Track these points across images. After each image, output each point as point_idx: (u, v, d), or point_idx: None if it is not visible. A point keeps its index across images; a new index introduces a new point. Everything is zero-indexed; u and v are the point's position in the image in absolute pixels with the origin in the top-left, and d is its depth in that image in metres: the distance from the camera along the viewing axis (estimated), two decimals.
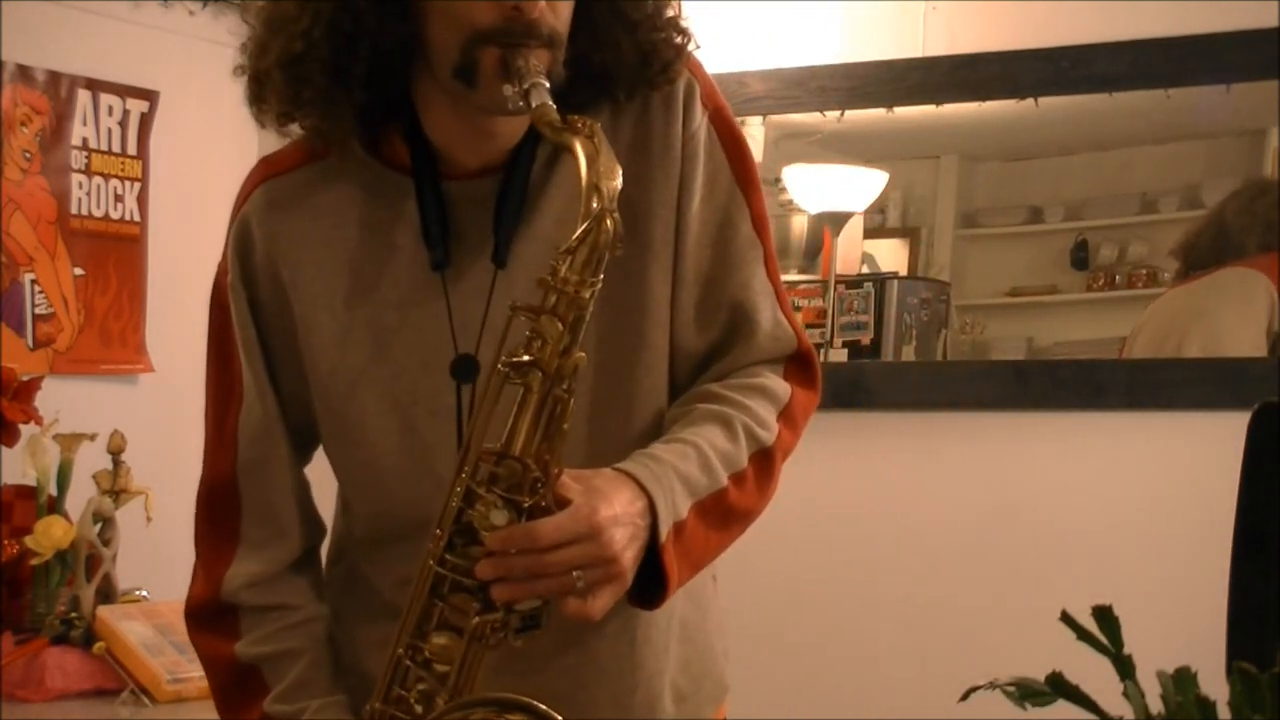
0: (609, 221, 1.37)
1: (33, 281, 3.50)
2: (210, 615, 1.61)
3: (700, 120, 1.57)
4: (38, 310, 3.51)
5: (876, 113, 3.44)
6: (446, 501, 1.40)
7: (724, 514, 1.50)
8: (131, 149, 3.72)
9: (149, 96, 3.75)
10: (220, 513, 1.61)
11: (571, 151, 1.39)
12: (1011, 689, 1.09)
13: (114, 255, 3.68)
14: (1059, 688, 1.06)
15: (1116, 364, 3.39)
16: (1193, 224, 3.34)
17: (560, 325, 1.37)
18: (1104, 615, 1.08)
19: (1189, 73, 3.28)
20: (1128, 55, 3.32)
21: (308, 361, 1.58)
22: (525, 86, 1.42)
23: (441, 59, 1.48)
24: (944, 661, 3.24)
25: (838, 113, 3.46)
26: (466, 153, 1.55)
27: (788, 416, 1.57)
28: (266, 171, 1.63)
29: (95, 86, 3.63)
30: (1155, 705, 1.05)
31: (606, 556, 1.37)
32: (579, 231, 1.37)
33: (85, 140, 3.61)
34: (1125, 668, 1.07)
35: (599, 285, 1.39)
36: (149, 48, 3.77)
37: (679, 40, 1.55)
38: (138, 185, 3.73)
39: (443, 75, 1.49)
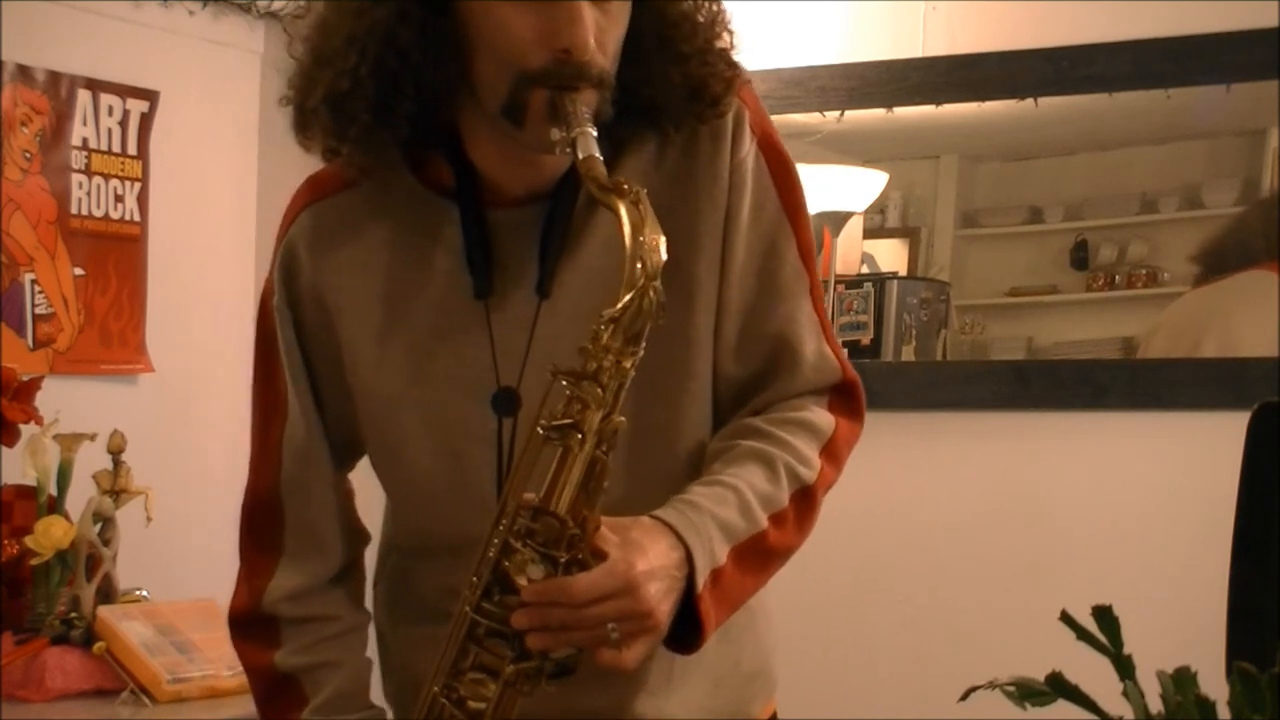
0: (652, 293, 1.36)
1: (33, 281, 3.50)
2: (251, 624, 1.65)
3: (748, 148, 1.56)
4: (38, 310, 3.51)
5: (876, 113, 3.44)
6: (484, 550, 1.41)
7: (762, 555, 1.50)
8: (131, 149, 3.72)
9: (149, 96, 3.75)
10: (263, 525, 1.65)
11: (616, 215, 1.38)
12: (1011, 689, 1.09)
13: (114, 255, 3.68)
14: (1059, 688, 1.06)
15: (1117, 364, 3.39)
16: (1213, 229, 3.34)
17: (600, 391, 1.37)
18: (1104, 615, 1.08)
19: (1189, 73, 3.28)
20: (1128, 55, 3.31)
21: (351, 382, 1.59)
22: (572, 135, 1.41)
23: (489, 96, 1.47)
24: (944, 661, 3.24)
25: (837, 113, 3.46)
26: (512, 181, 1.54)
27: (830, 451, 1.56)
28: (312, 194, 1.63)
29: (95, 86, 3.63)
30: (1155, 705, 1.05)
31: (641, 611, 1.37)
32: (621, 303, 1.36)
33: (85, 140, 3.61)
34: (1125, 668, 1.07)
35: (640, 354, 1.38)
36: (149, 48, 3.77)
37: (728, 74, 1.53)
38: (138, 185, 3.73)
39: (490, 111, 1.48)
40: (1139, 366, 3.35)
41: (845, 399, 1.59)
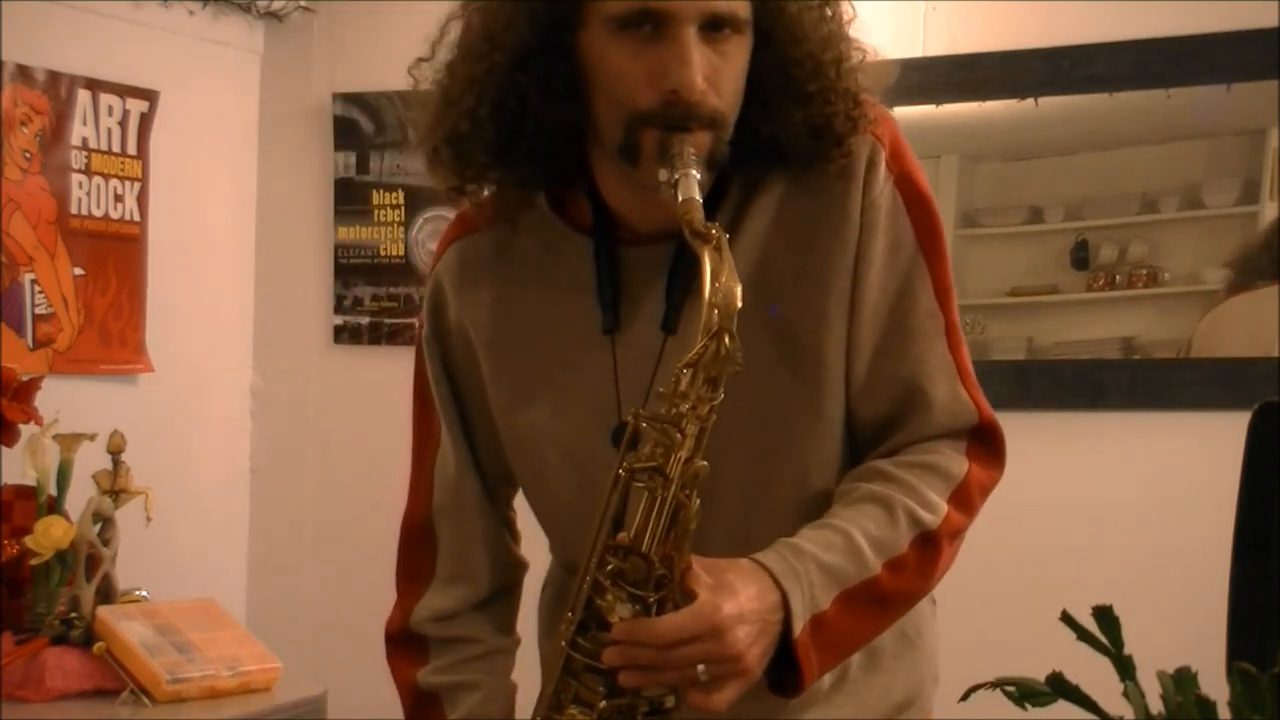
0: (726, 340, 1.37)
1: (33, 281, 3.50)
2: (401, 642, 1.68)
3: (882, 186, 1.54)
4: (38, 310, 3.51)
5: None
6: (578, 587, 1.42)
7: (876, 601, 1.47)
8: (131, 149, 3.72)
9: (149, 96, 3.75)
10: (417, 548, 1.68)
11: (699, 260, 1.39)
12: (1011, 689, 1.09)
13: (114, 255, 3.68)
14: (1059, 688, 1.06)
15: (1117, 364, 3.38)
16: (1251, 236, 3.33)
17: (680, 435, 1.38)
18: (1104, 615, 1.08)
19: (1189, 73, 3.28)
20: (1128, 55, 3.32)
21: (495, 414, 1.63)
22: (675, 177, 1.41)
23: (607, 136, 1.49)
24: (944, 661, 3.23)
25: None
26: (642, 218, 1.55)
27: (960, 496, 1.52)
28: (460, 230, 1.67)
29: (95, 86, 3.63)
30: (1155, 705, 1.05)
31: (729, 655, 1.36)
32: (696, 349, 1.37)
33: (85, 140, 3.61)
34: (1125, 668, 1.07)
35: (718, 400, 1.38)
36: (149, 48, 3.78)
37: (854, 113, 1.51)
38: (138, 185, 3.73)
39: (610, 151, 1.50)
40: (1139, 366, 3.35)
41: (984, 443, 1.56)
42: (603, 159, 1.53)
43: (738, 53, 1.47)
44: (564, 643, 1.43)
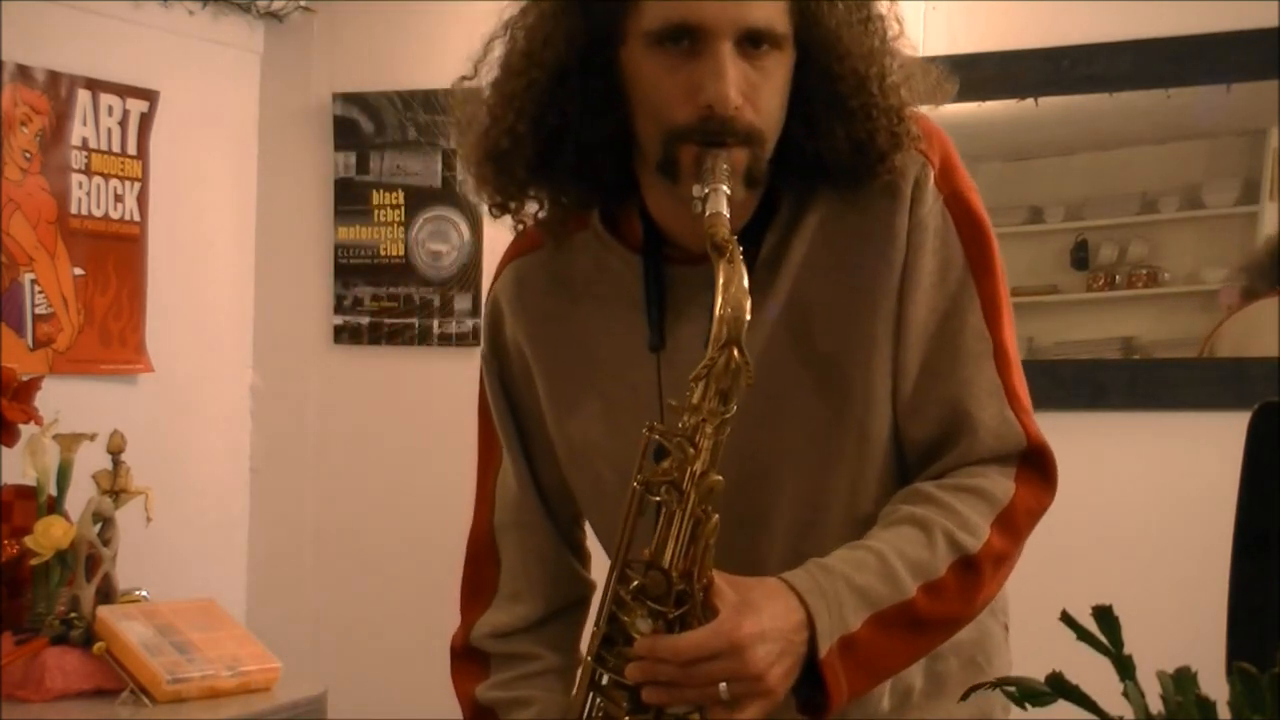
0: (735, 353, 1.36)
1: (33, 281, 3.50)
2: (464, 656, 1.69)
3: (931, 205, 1.52)
4: (38, 310, 3.51)
5: None
6: (604, 601, 1.42)
7: (912, 624, 1.44)
8: (131, 149, 3.72)
9: (149, 96, 3.75)
10: (481, 564, 1.70)
11: (715, 273, 1.38)
12: (1011, 689, 1.08)
13: (114, 255, 3.68)
14: (1059, 688, 1.06)
15: (1117, 364, 3.39)
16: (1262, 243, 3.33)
17: (693, 449, 1.38)
18: (1104, 615, 1.08)
19: (1189, 73, 3.28)
20: (1128, 55, 3.32)
21: (551, 432, 1.63)
22: (704, 191, 1.41)
23: (648, 152, 1.49)
24: None
25: None
26: (687, 235, 1.54)
27: (1005, 520, 1.49)
28: (517, 250, 1.67)
29: (95, 86, 3.63)
30: (1155, 705, 1.05)
31: (749, 673, 1.35)
32: (704, 361, 1.37)
33: (85, 140, 3.61)
34: (1125, 668, 1.06)
35: (730, 414, 1.38)
36: (149, 48, 3.78)
37: (898, 129, 1.49)
38: (138, 185, 3.73)
39: (650, 167, 1.50)
40: (1139, 366, 3.35)
41: (1034, 467, 1.54)
42: (650, 176, 1.53)
43: (777, 69, 1.46)
44: (589, 656, 1.43)
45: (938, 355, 1.52)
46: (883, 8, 1.53)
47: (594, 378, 1.60)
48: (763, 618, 1.36)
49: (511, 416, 1.66)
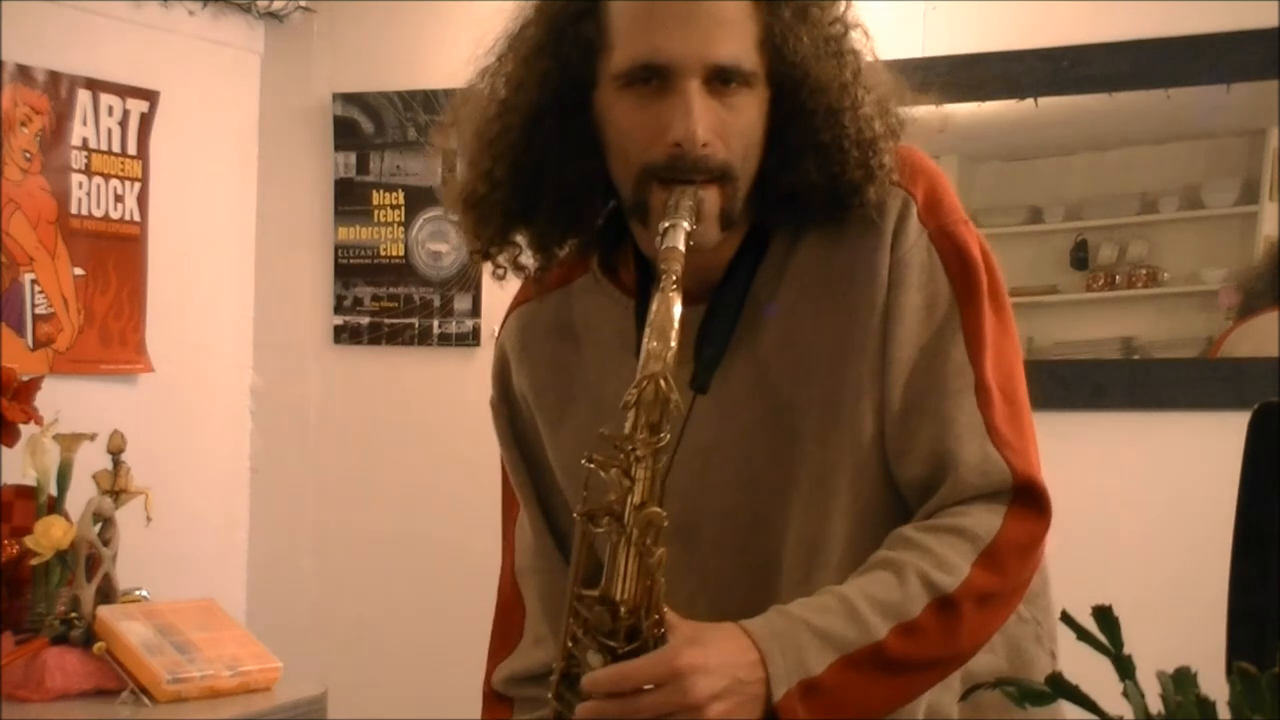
0: (661, 384, 1.35)
1: (33, 281, 3.50)
2: (489, 700, 1.69)
3: (914, 241, 1.50)
4: (38, 310, 3.51)
5: None
6: (562, 639, 1.42)
7: (887, 666, 1.41)
8: (131, 149, 3.72)
9: (149, 96, 3.75)
10: (508, 610, 1.70)
11: (650, 304, 1.38)
12: (1011, 689, 1.09)
13: (114, 255, 3.68)
14: (1059, 688, 1.06)
15: (1117, 364, 3.39)
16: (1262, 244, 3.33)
17: (628, 480, 1.36)
18: (1104, 615, 1.08)
19: (1189, 73, 3.28)
20: (1128, 55, 3.32)
21: (558, 476, 1.63)
22: (665, 225, 1.41)
23: (624, 194, 1.50)
24: None
25: None
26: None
27: (989, 556, 1.46)
28: (522, 296, 1.69)
29: (95, 86, 3.63)
30: (1155, 705, 1.05)
31: (686, 704, 1.33)
32: (631, 389, 1.36)
33: (85, 140, 3.61)
34: (1125, 668, 1.06)
35: (661, 443, 1.36)
36: (149, 48, 3.78)
37: (871, 162, 1.48)
38: (138, 185, 3.73)
39: (627, 209, 1.51)
40: (1139, 366, 3.35)
41: (1025, 501, 1.51)
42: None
43: (748, 105, 1.46)
44: (550, 694, 1.43)
45: (922, 393, 1.49)
46: (857, 40, 1.54)
47: (592, 422, 1.56)
48: (709, 651, 1.35)
49: (524, 463, 1.66)
